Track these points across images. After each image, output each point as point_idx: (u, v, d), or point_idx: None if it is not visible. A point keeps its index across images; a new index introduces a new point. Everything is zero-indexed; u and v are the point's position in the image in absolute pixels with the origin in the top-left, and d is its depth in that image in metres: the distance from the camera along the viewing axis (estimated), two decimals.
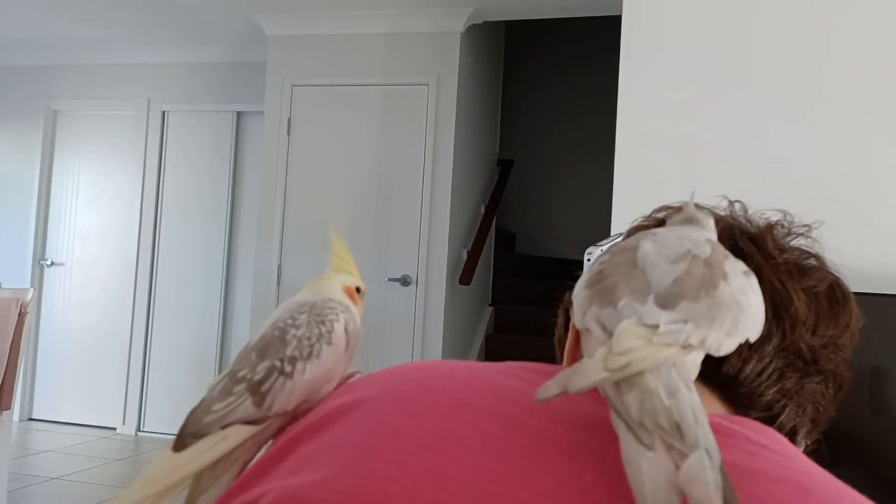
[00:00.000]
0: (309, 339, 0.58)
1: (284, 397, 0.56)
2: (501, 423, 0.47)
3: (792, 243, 0.61)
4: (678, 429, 0.40)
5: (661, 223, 0.63)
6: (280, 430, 0.58)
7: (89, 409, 4.90)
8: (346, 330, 0.60)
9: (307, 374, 0.57)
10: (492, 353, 4.39)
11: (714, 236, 0.54)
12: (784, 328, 0.56)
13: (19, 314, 2.98)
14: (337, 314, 0.60)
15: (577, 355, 0.62)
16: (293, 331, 0.58)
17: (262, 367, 0.56)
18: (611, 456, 0.44)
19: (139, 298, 4.85)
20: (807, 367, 0.56)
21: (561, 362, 0.66)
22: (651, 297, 0.47)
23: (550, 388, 0.43)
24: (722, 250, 0.51)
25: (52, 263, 5.07)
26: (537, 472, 0.44)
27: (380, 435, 0.48)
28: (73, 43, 4.90)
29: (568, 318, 0.65)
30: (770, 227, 0.61)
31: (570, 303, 0.63)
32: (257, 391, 0.56)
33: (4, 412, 2.92)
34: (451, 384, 0.51)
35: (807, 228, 0.62)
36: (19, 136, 5.17)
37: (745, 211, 0.63)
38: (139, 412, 4.80)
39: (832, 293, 0.58)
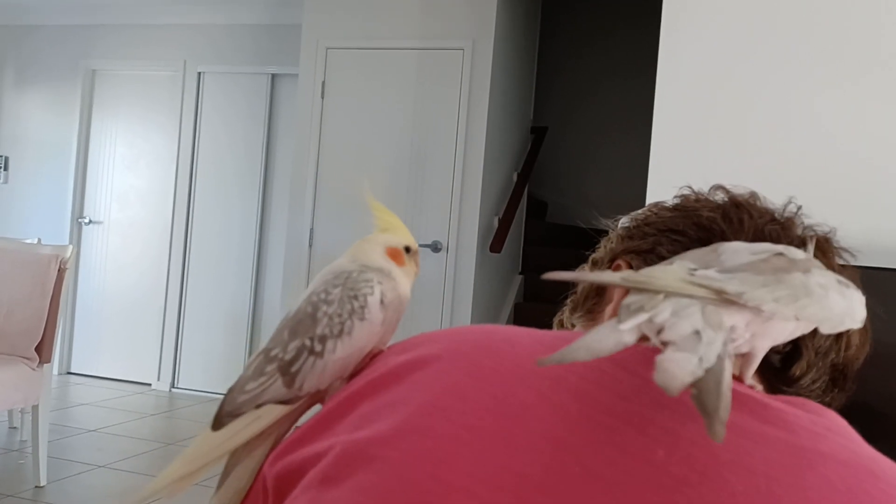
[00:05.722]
0: (340, 315, 0.56)
1: (315, 377, 0.56)
2: (568, 394, 0.47)
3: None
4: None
5: (715, 208, 0.62)
6: (311, 405, 0.58)
7: (125, 364, 5.02)
8: (381, 302, 0.58)
9: (338, 353, 0.56)
10: (521, 321, 4.39)
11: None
12: (840, 346, 0.60)
13: (58, 270, 3.04)
14: (372, 286, 0.58)
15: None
16: (324, 307, 0.57)
17: (292, 347, 0.56)
18: (684, 435, 0.43)
19: (174, 258, 4.93)
20: (843, 384, 0.61)
21: (577, 312, 0.69)
22: (713, 270, 0.45)
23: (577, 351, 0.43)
24: (820, 265, 0.49)
25: (91, 222, 5.17)
26: (607, 444, 0.44)
27: (447, 397, 0.48)
28: (111, 3, 4.92)
29: (610, 267, 0.67)
30: (828, 240, 0.63)
31: (619, 255, 0.64)
32: (287, 371, 0.56)
33: (45, 365, 3.01)
34: (513, 350, 0.51)
35: (847, 253, 0.63)
36: (58, 96, 5.24)
37: (799, 214, 0.64)
38: (173, 369, 4.91)
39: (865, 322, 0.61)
